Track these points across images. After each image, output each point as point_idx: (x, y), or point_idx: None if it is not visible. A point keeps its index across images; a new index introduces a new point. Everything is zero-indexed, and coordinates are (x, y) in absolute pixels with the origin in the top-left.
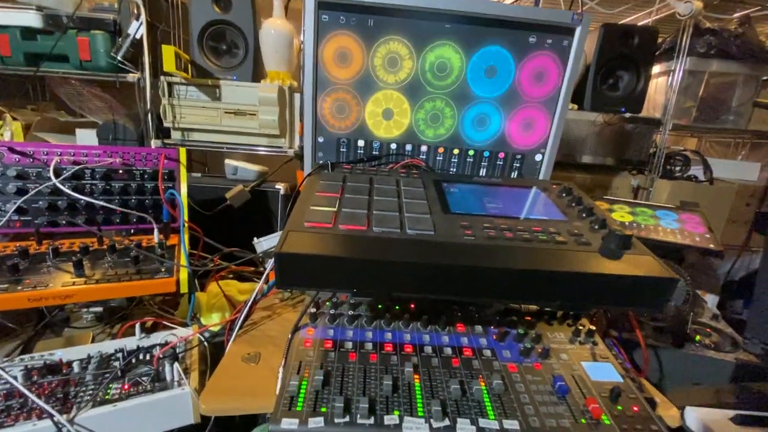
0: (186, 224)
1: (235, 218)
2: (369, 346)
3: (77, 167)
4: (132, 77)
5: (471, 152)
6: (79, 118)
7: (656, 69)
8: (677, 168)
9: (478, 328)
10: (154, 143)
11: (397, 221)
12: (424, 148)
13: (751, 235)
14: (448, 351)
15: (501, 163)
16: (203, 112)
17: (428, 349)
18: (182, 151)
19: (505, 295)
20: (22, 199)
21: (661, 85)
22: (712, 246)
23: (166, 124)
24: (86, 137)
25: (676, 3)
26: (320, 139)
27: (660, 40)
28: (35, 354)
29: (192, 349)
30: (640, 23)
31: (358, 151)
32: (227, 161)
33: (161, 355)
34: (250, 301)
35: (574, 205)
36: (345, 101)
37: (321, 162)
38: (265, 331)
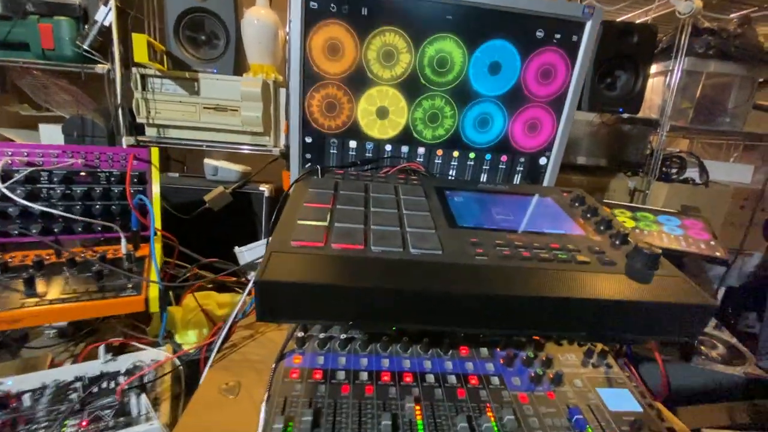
0: (158, 233)
1: (216, 222)
2: (364, 375)
3: (31, 169)
4: (101, 68)
5: (472, 155)
6: (44, 113)
7: (653, 69)
8: (673, 170)
9: (484, 350)
10: (126, 141)
11: (398, 238)
12: (421, 149)
13: (745, 238)
14: (453, 379)
15: (504, 166)
16: (180, 108)
17: (430, 378)
18: (154, 151)
19: (526, 327)
20: None
21: (657, 86)
22: (718, 254)
23: (139, 120)
24: (50, 133)
25: (676, 1)
26: (308, 139)
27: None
28: None
29: (164, 376)
30: (637, 21)
31: (350, 153)
32: (206, 160)
33: (126, 386)
34: (229, 322)
35: (589, 216)
36: (335, 98)
37: (309, 166)
38: (246, 355)
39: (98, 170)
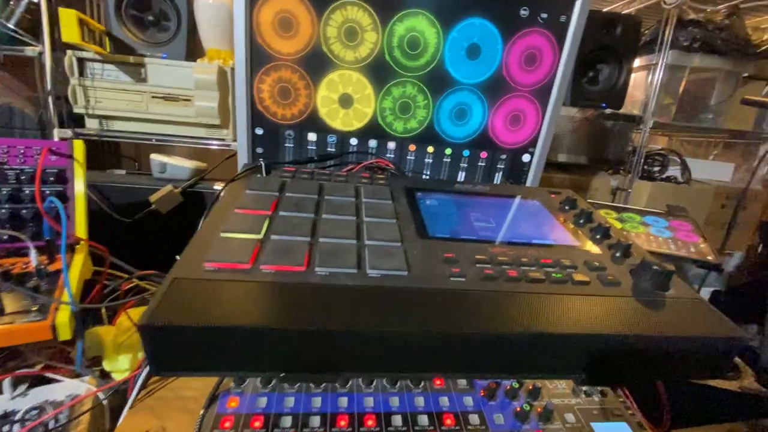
0: (82, 242)
1: (164, 226)
2: (316, 421)
3: None
4: (31, 51)
5: (448, 150)
6: None
7: (635, 63)
8: (655, 168)
9: (462, 381)
10: (60, 134)
11: (353, 255)
12: (391, 144)
13: (727, 239)
14: (424, 420)
15: (483, 164)
16: (125, 96)
17: (397, 420)
18: (77, 144)
19: (513, 370)
20: None
21: (639, 81)
22: (710, 258)
23: (77, 110)
24: None
25: None
26: (258, 131)
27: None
28: None
29: (80, 416)
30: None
31: (309, 148)
32: (153, 156)
33: None
34: None
35: (582, 222)
36: (290, 83)
37: (254, 162)
38: (178, 390)
39: (5, 167)
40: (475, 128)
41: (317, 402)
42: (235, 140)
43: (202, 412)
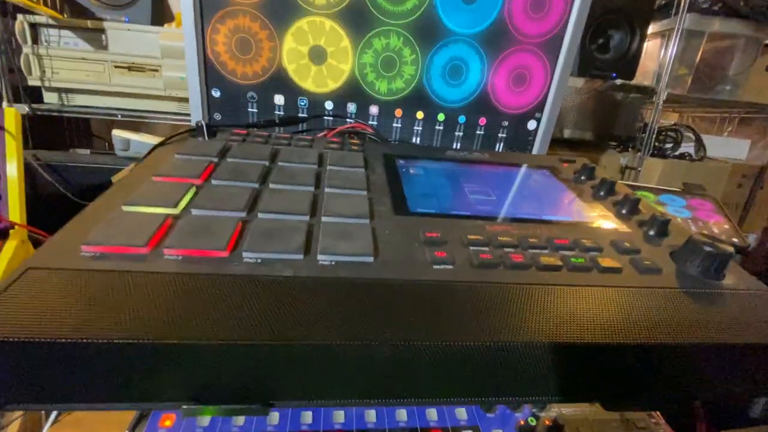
0: (20, 227)
1: None
2: None
3: None
4: None
5: (441, 116)
6: None
7: (649, 29)
8: (668, 145)
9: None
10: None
11: (299, 237)
12: (374, 109)
13: (744, 219)
14: None
15: (482, 132)
16: (84, 66)
17: None
18: (9, 113)
19: (516, 393)
20: None
21: (652, 50)
22: (735, 240)
23: (31, 82)
24: None
25: None
26: (215, 93)
27: None
28: None
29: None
30: None
31: (277, 113)
32: (115, 132)
33: None
34: None
35: (603, 194)
36: (249, 33)
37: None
38: None
39: None
40: (472, 89)
41: (274, 418)
42: None
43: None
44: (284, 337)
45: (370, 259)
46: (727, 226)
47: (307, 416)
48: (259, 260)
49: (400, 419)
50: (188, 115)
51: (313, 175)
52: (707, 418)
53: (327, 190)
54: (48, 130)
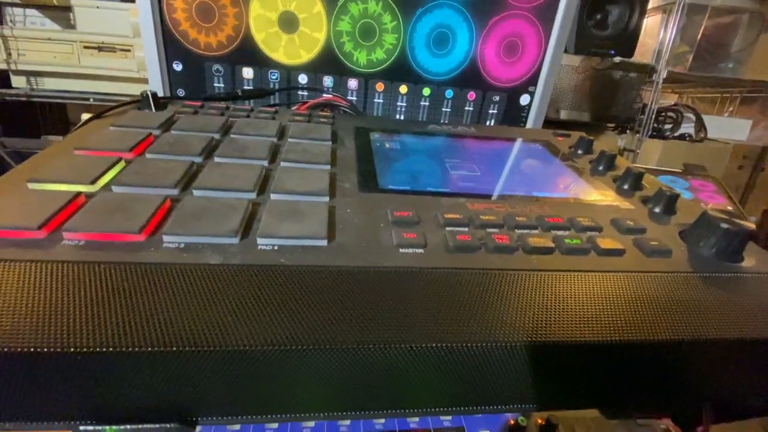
0: None
1: None
2: None
3: None
4: None
5: (426, 90)
6: None
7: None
8: (667, 126)
9: None
10: None
11: (236, 216)
12: (353, 83)
13: (744, 202)
14: None
15: (471, 108)
16: (52, 48)
17: None
18: None
19: (497, 401)
20: None
21: (651, 26)
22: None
23: None
24: None
25: None
26: (177, 66)
27: None
28: None
29: None
30: None
31: (245, 88)
32: (84, 117)
33: None
34: None
35: (602, 169)
36: None
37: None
38: None
39: None
40: (460, 60)
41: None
42: None
43: None
44: (208, 341)
45: (323, 242)
46: (731, 208)
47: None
48: (182, 245)
49: (377, 423)
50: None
51: (267, 148)
52: (714, 419)
53: (282, 164)
54: (19, 117)
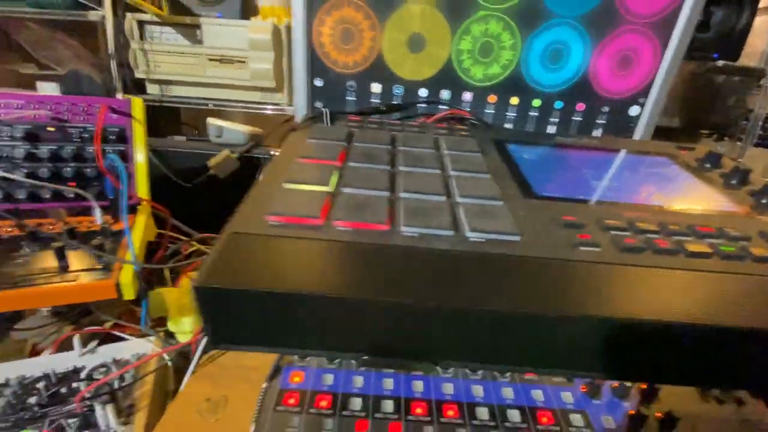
0: (146, 203)
1: (221, 192)
2: (389, 406)
3: None
4: (95, 16)
5: (536, 102)
6: (44, 71)
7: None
8: None
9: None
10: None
11: (447, 215)
12: (467, 95)
13: None
14: (515, 416)
15: (579, 118)
16: (182, 60)
17: (483, 413)
18: (136, 102)
19: (680, 376)
20: None
21: (760, 27)
22: None
23: (138, 75)
24: (48, 92)
25: None
26: (318, 82)
27: None
28: None
29: (145, 376)
30: None
31: (373, 101)
32: (210, 120)
33: (87, 394)
34: None
35: (736, 183)
36: (354, 23)
37: (316, 112)
38: (239, 359)
39: (68, 125)
40: (572, 73)
41: (389, 383)
42: (290, 104)
43: (264, 385)
44: (456, 302)
45: (517, 237)
46: None
47: (419, 385)
48: (417, 234)
49: (507, 397)
50: (271, 104)
51: (435, 159)
52: None
53: (453, 173)
54: (148, 119)
